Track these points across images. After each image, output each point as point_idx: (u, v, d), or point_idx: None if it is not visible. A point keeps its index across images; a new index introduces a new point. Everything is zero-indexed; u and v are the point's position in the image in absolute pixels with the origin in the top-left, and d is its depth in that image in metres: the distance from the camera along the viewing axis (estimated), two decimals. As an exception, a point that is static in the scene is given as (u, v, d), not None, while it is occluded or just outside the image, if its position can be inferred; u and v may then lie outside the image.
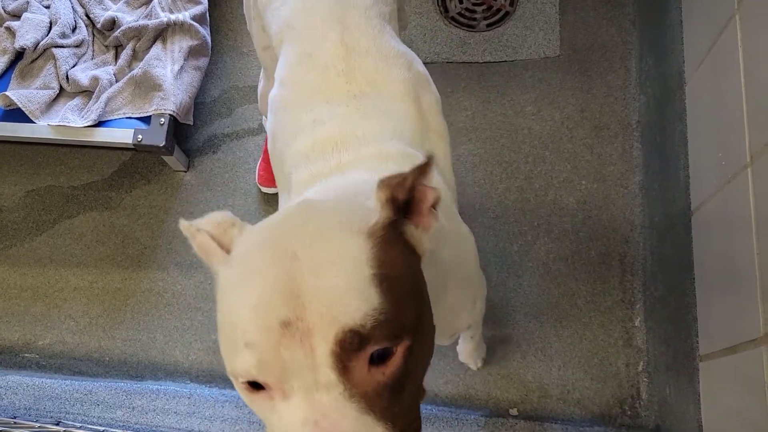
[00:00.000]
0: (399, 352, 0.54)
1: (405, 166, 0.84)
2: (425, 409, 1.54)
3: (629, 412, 1.51)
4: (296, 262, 0.55)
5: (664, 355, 1.45)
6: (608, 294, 1.62)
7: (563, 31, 1.89)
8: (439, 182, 0.99)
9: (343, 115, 0.97)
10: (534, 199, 1.73)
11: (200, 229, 0.65)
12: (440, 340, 0.97)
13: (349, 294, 0.53)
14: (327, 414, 0.52)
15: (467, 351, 1.50)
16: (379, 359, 0.54)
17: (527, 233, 1.70)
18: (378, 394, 0.54)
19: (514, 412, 1.55)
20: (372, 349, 0.53)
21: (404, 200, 0.62)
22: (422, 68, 1.11)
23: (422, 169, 0.62)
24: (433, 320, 0.63)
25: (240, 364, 0.54)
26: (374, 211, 0.61)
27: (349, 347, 0.52)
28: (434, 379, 1.60)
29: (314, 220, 0.60)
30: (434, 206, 0.65)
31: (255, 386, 0.56)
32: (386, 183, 0.62)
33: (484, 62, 1.90)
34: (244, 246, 0.62)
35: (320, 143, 0.95)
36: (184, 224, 0.66)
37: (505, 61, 1.89)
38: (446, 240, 0.89)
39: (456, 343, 1.52)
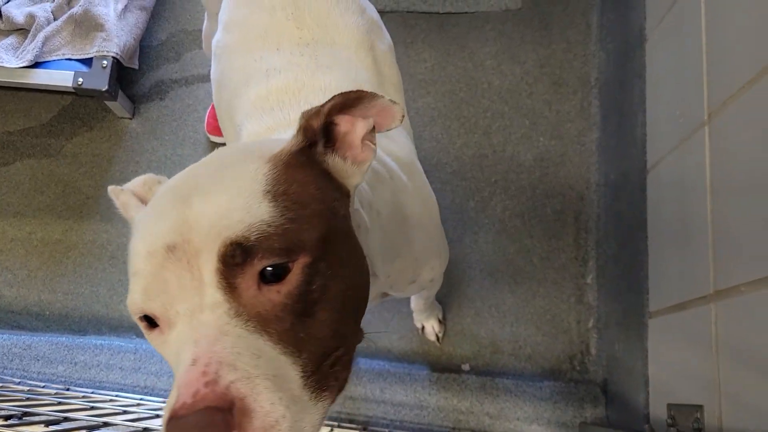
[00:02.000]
0: (297, 269, 0.51)
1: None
2: (378, 364, 1.53)
3: (578, 368, 1.53)
4: (193, 192, 0.53)
5: (614, 312, 1.47)
6: (562, 251, 1.62)
7: (526, -17, 1.85)
8: (398, 134, 0.96)
9: (298, 64, 0.92)
10: (492, 155, 1.71)
11: (123, 189, 0.65)
12: (402, 288, 0.96)
13: (233, 209, 0.51)
14: (206, 333, 0.48)
15: (419, 307, 1.49)
16: (273, 278, 0.50)
17: (484, 189, 1.68)
18: (275, 316, 0.50)
19: (466, 367, 1.55)
20: (260, 263, 0.50)
21: (320, 128, 0.60)
22: (375, 14, 1.06)
23: (344, 98, 0.60)
24: (362, 259, 0.61)
25: (130, 296, 0.53)
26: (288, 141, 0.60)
27: (232, 261, 0.49)
28: (388, 335, 1.59)
29: (223, 156, 0.59)
30: (369, 139, 0.62)
31: (151, 323, 0.54)
32: (305, 112, 0.60)
33: (445, 13, 1.84)
34: (159, 191, 0.60)
35: (276, 93, 0.90)
36: (111, 188, 0.67)
37: (466, 12, 1.84)
38: (412, 196, 0.87)
39: (407, 303, 1.51)
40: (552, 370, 1.54)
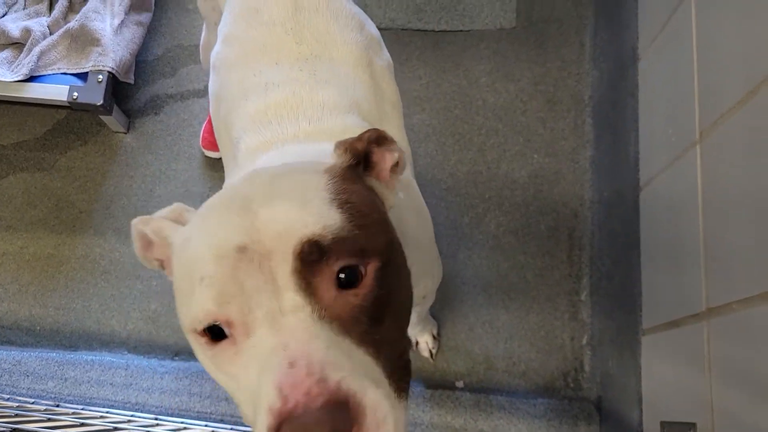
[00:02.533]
0: (370, 273, 0.52)
1: None
2: (371, 381, 1.52)
3: (572, 385, 1.53)
4: (252, 204, 0.53)
5: (608, 329, 1.47)
6: (556, 268, 1.62)
7: (520, 2, 1.86)
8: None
9: (297, 79, 0.92)
10: (486, 172, 1.72)
11: (153, 217, 0.65)
12: None
13: (305, 211, 0.52)
14: (296, 336, 0.47)
15: (412, 321, 1.48)
16: (348, 283, 0.51)
17: (478, 206, 1.69)
18: (354, 318, 0.50)
19: (460, 384, 1.55)
20: (336, 264, 0.50)
21: (363, 151, 0.64)
22: (375, 31, 1.07)
23: (378, 133, 0.65)
24: (407, 264, 0.62)
25: (197, 303, 0.50)
26: (333, 159, 0.63)
27: (310, 258, 0.49)
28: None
29: (268, 172, 0.59)
30: (395, 169, 0.67)
31: (215, 336, 0.51)
32: (343, 141, 0.64)
33: (440, 31, 1.86)
34: (201, 210, 0.60)
35: (274, 107, 0.90)
36: (139, 219, 0.66)
37: (461, 30, 1.85)
38: (409, 214, 0.88)
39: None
40: (546, 387, 1.53)
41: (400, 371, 0.53)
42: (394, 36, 1.84)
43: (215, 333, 0.51)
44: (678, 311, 1.09)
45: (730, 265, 0.92)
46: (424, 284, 0.99)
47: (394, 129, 1.02)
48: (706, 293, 0.99)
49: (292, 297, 0.49)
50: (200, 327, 0.52)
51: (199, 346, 0.53)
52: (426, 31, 1.86)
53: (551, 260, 1.63)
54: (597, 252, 1.59)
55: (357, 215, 0.54)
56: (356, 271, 0.51)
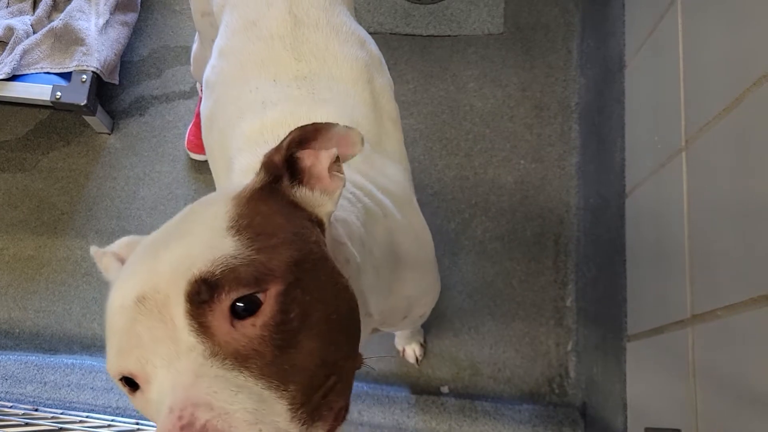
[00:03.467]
0: (270, 299, 0.49)
1: (364, 165, 0.82)
2: (356, 386, 1.50)
3: (557, 391, 1.52)
4: (158, 248, 0.52)
5: (593, 335, 1.47)
6: (542, 274, 1.62)
7: (507, 8, 1.87)
8: (395, 172, 0.94)
9: (295, 97, 0.90)
10: (473, 177, 1.71)
11: (105, 252, 0.65)
12: (394, 324, 0.94)
13: (195, 249, 0.50)
14: (183, 379, 0.46)
15: (405, 334, 1.48)
16: (247, 312, 0.48)
17: (465, 211, 1.68)
18: (254, 351, 0.48)
19: (445, 389, 1.54)
20: (228, 298, 0.48)
21: (282, 163, 0.59)
22: (375, 49, 1.04)
23: (302, 131, 0.60)
24: (344, 284, 0.58)
25: (107, 357, 0.51)
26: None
27: (199, 298, 0.47)
28: (367, 355, 1.57)
29: (191, 207, 0.58)
30: (336, 169, 0.62)
31: (132, 385, 0.51)
32: (268, 151, 0.60)
33: (428, 35, 1.86)
34: (134, 252, 0.58)
35: (271, 126, 0.87)
36: (93, 250, 0.66)
37: (449, 35, 1.86)
38: (405, 231, 0.86)
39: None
40: (531, 392, 1.53)
41: (320, 400, 0.50)
42: (382, 40, 1.84)
43: (130, 383, 0.51)
44: (663, 317, 1.09)
45: (714, 272, 0.93)
46: (424, 302, 0.97)
47: (395, 145, 0.99)
48: (690, 300, 0.99)
49: (185, 338, 0.48)
50: (116, 378, 0.52)
51: (127, 395, 0.53)
52: (414, 35, 1.86)
53: (537, 266, 1.63)
54: (582, 258, 1.59)
55: (257, 238, 0.51)
56: (253, 299, 0.49)
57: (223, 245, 0.50)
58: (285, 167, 0.60)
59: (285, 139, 0.59)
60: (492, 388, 1.53)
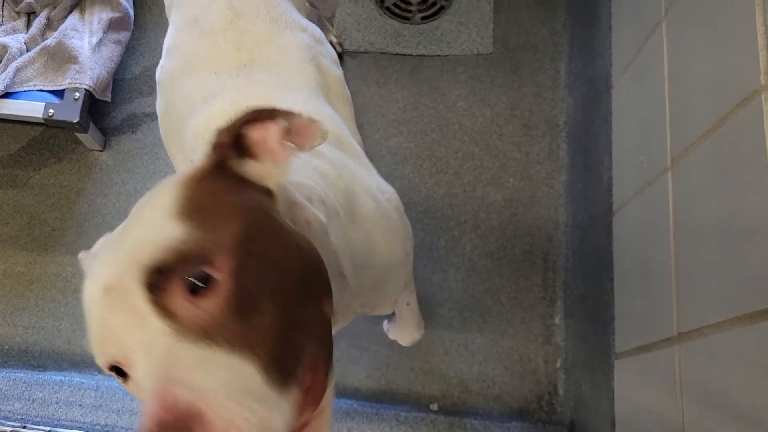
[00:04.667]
0: (224, 272, 0.50)
1: None
2: (345, 403, 1.51)
3: (546, 408, 1.53)
4: (121, 235, 0.55)
5: (581, 353, 1.48)
6: (530, 291, 1.64)
7: (497, 29, 1.90)
8: (345, 139, 0.95)
9: (234, 87, 0.91)
10: (462, 195, 1.73)
11: (89, 253, 0.67)
12: (384, 307, 0.94)
13: (147, 237, 0.52)
14: (160, 362, 0.48)
15: (412, 324, 1.40)
16: (205, 289, 0.50)
17: (454, 228, 1.70)
18: (218, 323, 0.49)
19: (434, 407, 1.54)
20: (181, 279, 0.50)
21: (230, 142, 0.61)
22: (317, 32, 1.05)
23: (256, 114, 0.62)
24: (300, 244, 0.60)
25: (91, 349, 0.53)
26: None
27: (156, 285, 0.49)
28: (355, 374, 1.57)
29: (148, 195, 0.59)
30: (288, 137, 0.63)
31: (121, 373, 0.53)
32: (218, 131, 0.62)
33: (418, 55, 1.88)
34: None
35: (213, 120, 0.88)
36: (82, 254, 0.68)
37: (439, 55, 1.88)
38: (363, 197, 0.87)
39: (376, 341, 1.51)
40: (520, 410, 1.53)
41: (293, 358, 0.52)
42: (372, 59, 1.86)
43: (120, 372, 0.53)
44: (650, 335, 1.11)
45: (700, 290, 0.94)
46: (392, 286, 0.99)
47: (346, 119, 1.02)
48: (677, 317, 1.01)
49: (153, 323, 0.49)
50: (105, 369, 0.54)
51: (122, 384, 0.55)
52: (404, 55, 1.88)
53: (526, 283, 1.64)
54: (571, 276, 1.61)
55: (204, 216, 0.53)
56: (207, 276, 0.50)
57: (172, 229, 0.52)
58: (232, 145, 0.61)
59: (237, 119, 0.61)
60: (481, 406, 1.54)
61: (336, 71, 1.04)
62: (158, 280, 0.50)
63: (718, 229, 0.90)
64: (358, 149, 0.98)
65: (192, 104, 0.93)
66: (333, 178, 0.82)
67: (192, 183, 0.57)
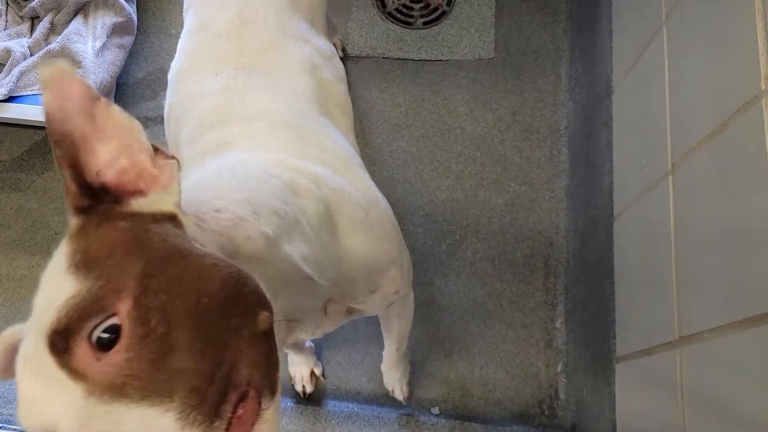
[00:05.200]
0: (123, 318, 0.48)
1: (295, 142, 0.85)
2: (347, 407, 1.52)
3: (547, 412, 1.53)
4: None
5: (582, 357, 1.48)
6: (531, 295, 1.64)
7: (498, 34, 1.91)
8: (335, 143, 0.96)
9: (231, 87, 0.93)
10: (464, 199, 1.74)
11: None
12: (363, 298, 0.94)
13: (46, 301, 0.50)
14: (72, 425, 0.46)
15: (391, 360, 1.44)
16: (111, 342, 0.48)
17: (455, 233, 1.70)
18: (127, 376, 0.47)
19: (435, 410, 1.54)
20: (82, 338, 0.48)
21: (79, 193, 0.55)
22: (325, 45, 1.07)
23: (67, 147, 0.54)
24: (215, 266, 0.55)
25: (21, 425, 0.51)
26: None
27: (58, 349, 0.48)
28: (356, 377, 1.57)
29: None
30: (160, 158, 0.58)
31: None
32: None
33: (420, 60, 1.89)
34: None
35: (207, 117, 0.91)
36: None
37: (441, 60, 1.89)
38: (346, 198, 0.87)
39: (377, 344, 1.51)
40: (521, 414, 1.54)
41: (218, 391, 0.49)
42: (374, 64, 1.87)
43: None
44: (651, 339, 1.11)
45: (701, 294, 0.94)
46: (391, 276, 0.96)
47: (343, 129, 1.02)
48: (678, 321, 1.01)
49: (68, 387, 0.47)
50: None
51: None
52: (406, 60, 1.89)
53: (527, 288, 1.65)
54: (572, 280, 1.61)
55: (94, 265, 0.50)
56: (111, 326, 0.48)
57: (65, 287, 0.49)
58: (87, 193, 0.56)
59: (60, 167, 0.55)
60: (482, 410, 1.54)
61: (340, 86, 1.06)
62: (62, 341, 0.47)
63: (719, 233, 0.91)
64: (348, 160, 0.97)
65: (189, 101, 0.95)
66: (304, 188, 0.81)
67: (76, 234, 0.54)
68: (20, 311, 1.70)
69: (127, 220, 0.55)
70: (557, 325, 1.61)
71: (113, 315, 0.48)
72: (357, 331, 1.59)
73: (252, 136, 0.88)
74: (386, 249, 0.95)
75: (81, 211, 0.55)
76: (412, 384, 1.55)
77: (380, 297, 0.97)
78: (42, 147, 1.86)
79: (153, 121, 1.87)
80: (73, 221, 0.55)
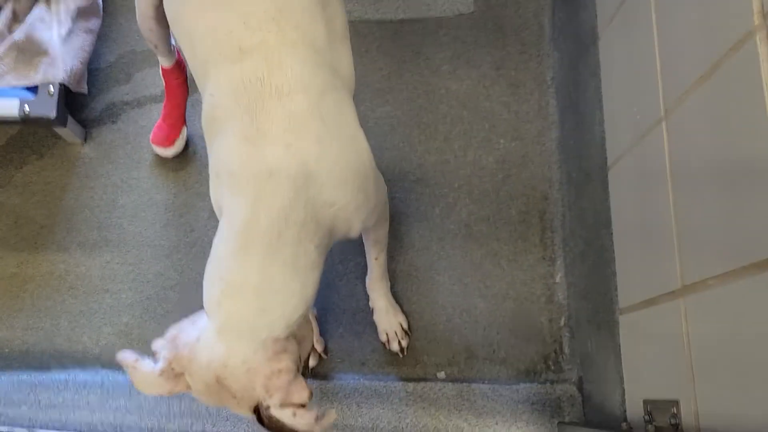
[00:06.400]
0: None
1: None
2: (353, 379, 1.51)
3: (553, 367, 1.53)
4: None
5: (584, 310, 1.48)
6: (530, 252, 1.62)
7: (476, -14, 1.85)
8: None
9: (266, 42, 0.96)
10: (454, 160, 1.71)
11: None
12: (354, 227, 1.05)
13: None
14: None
15: (374, 276, 1.47)
16: None
17: (448, 195, 1.68)
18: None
19: (441, 375, 1.54)
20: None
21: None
22: None
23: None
24: None
25: None
26: None
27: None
28: (360, 349, 1.57)
29: None
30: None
31: None
32: None
33: (398, 20, 1.84)
34: None
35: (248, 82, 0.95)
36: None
37: (419, 18, 1.83)
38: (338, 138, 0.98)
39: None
40: (527, 371, 1.54)
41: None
42: (352, 29, 1.78)
43: None
44: (653, 289, 1.10)
45: (703, 241, 0.93)
46: (366, 217, 1.08)
47: (345, 62, 1.11)
48: (680, 270, 0.99)
49: None
50: None
51: None
52: (384, 21, 1.84)
53: (524, 244, 1.63)
54: (569, 233, 1.59)
55: None
56: None
57: None
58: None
59: None
60: (488, 370, 1.54)
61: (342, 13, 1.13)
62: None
63: (717, 177, 0.88)
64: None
65: (222, 45, 0.98)
66: None
67: None
68: (14, 309, 1.68)
69: None
70: (557, 279, 1.60)
71: None
72: (357, 301, 1.58)
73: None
74: (366, 183, 1.05)
75: None
76: (410, 335, 1.55)
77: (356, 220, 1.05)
78: (18, 141, 1.81)
79: (129, 105, 1.82)
80: None
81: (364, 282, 1.51)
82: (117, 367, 1.58)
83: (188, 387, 0.88)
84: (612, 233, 1.32)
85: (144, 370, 0.88)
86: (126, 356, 0.88)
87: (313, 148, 0.93)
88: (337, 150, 0.97)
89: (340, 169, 0.97)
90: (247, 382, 0.85)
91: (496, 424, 1.44)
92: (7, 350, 1.65)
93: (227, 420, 1.48)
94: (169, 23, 1.14)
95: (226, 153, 0.94)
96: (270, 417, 0.84)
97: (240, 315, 0.87)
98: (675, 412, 0.99)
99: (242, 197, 0.90)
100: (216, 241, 0.93)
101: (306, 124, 0.94)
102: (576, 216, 1.56)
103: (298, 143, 0.92)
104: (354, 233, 1.08)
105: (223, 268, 0.90)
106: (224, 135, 0.95)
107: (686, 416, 0.96)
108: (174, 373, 0.86)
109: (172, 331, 0.89)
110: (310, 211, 0.92)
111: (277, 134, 0.91)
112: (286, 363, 0.86)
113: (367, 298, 1.53)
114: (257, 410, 0.86)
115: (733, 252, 0.83)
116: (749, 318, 0.80)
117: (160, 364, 0.87)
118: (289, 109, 0.93)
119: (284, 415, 0.84)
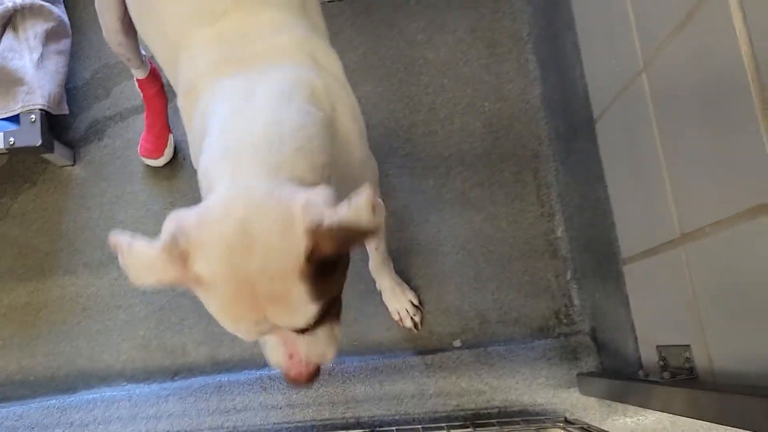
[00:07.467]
0: None
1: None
2: (372, 359, 1.54)
3: (565, 321, 1.56)
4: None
5: (589, 261, 1.50)
6: (528, 210, 1.64)
7: (441, -51, 1.83)
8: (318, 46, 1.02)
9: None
10: (441, 130, 1.71)
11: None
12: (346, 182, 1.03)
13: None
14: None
15: (376, 263, 1.48)
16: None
17: (440, 166, 1.68)
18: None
19: (457, 343, 1.57)
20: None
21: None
22: None
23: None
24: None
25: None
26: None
27: None
28: (376, 328, 1.59)
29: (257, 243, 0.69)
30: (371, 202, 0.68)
31: None
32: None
33: (367, -5, 1.82)
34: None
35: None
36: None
37: (388, -10, 1.81)
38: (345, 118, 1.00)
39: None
40: (540, 328, 1.57)
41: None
42: (322, 11, 1.79)
43: None
44: (653, 239, 1.11)
45: (696, 189, 0.94)
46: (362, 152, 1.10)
47: (321, 26, 1.12)
48: (677, 219, 1.01)
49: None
50: None
51: None
52: (353, -2, 1.82)
53: (521, 204, 1.65)
54: (564, 187, 1.61)
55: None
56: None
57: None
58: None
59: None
60: (502, 332, 1.57)
61: None
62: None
63: (702, 124, 0.89)
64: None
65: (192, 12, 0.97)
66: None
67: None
68: (33, 337, 1.70)
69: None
70: (559, 234, 1.62)
71: None
72: (366, 283, 1.60)
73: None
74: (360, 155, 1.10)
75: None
76: (422, 309, 1.58)
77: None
78: (8, 171, 1.81)
79: (113, 120, 1.81)
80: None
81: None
82: (142, 379, 1.64)
83: (197, 278, 0.71)
84: (606, 185, 1.33)
85: (141, 250, 0.70)
86: (119, 238, 0.72)
87: (307, 62, 0.95)
88: (329, 74, 0.99)
89: (337, 81, 1.00)
90: (283, 209, 0.70)
91: (517, 383, 1.47)
92: (32, 378, 1.68)
93: (256, 415, 1.52)
94: (136, 24, 1.12)
95: (204, 65, 0.93)
96: (329, 233, 0.68)
97: (252, 158, 0.76)
98: (688, 356, 1.01)
99: (234, 79, 0.89)
100: (207, 140, 0.84)
101: (293, 53, 0.94)
102: (568, 170, 1.57)
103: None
104: (356, 159, 1.07)
105: (223, 139, 0.81)
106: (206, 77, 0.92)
107: (699, 359, 0.99)
108: (179, 250, 0.69)
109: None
110: (311, 100, 0.89)
111: (264, 58, 0.92)
112: (324, 193, 0.71)
113: (374, 280, 1.55)
114: (310, 254, 0.69)
115: (727, 199, 0.85)
116: (749, 261, 0.82)
117: (162, 240, 0.70)
118: (274, 42, 0.94)
119: (344, 214, 0.68)
